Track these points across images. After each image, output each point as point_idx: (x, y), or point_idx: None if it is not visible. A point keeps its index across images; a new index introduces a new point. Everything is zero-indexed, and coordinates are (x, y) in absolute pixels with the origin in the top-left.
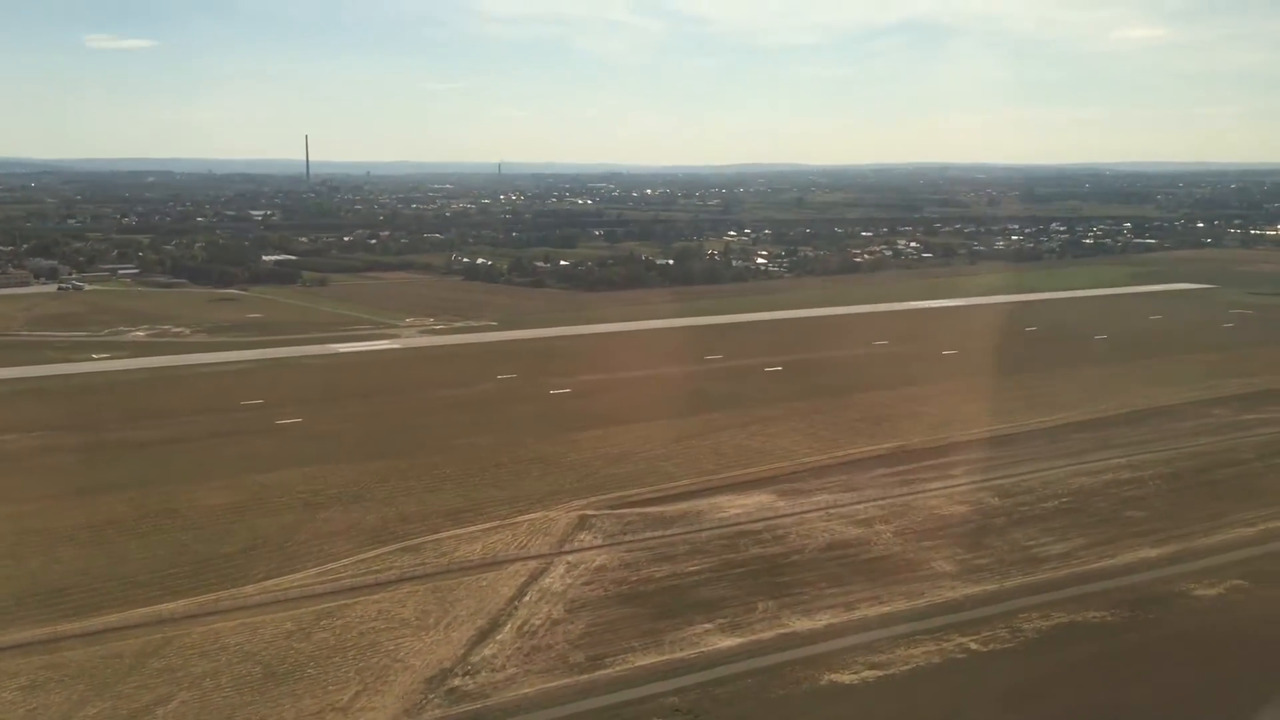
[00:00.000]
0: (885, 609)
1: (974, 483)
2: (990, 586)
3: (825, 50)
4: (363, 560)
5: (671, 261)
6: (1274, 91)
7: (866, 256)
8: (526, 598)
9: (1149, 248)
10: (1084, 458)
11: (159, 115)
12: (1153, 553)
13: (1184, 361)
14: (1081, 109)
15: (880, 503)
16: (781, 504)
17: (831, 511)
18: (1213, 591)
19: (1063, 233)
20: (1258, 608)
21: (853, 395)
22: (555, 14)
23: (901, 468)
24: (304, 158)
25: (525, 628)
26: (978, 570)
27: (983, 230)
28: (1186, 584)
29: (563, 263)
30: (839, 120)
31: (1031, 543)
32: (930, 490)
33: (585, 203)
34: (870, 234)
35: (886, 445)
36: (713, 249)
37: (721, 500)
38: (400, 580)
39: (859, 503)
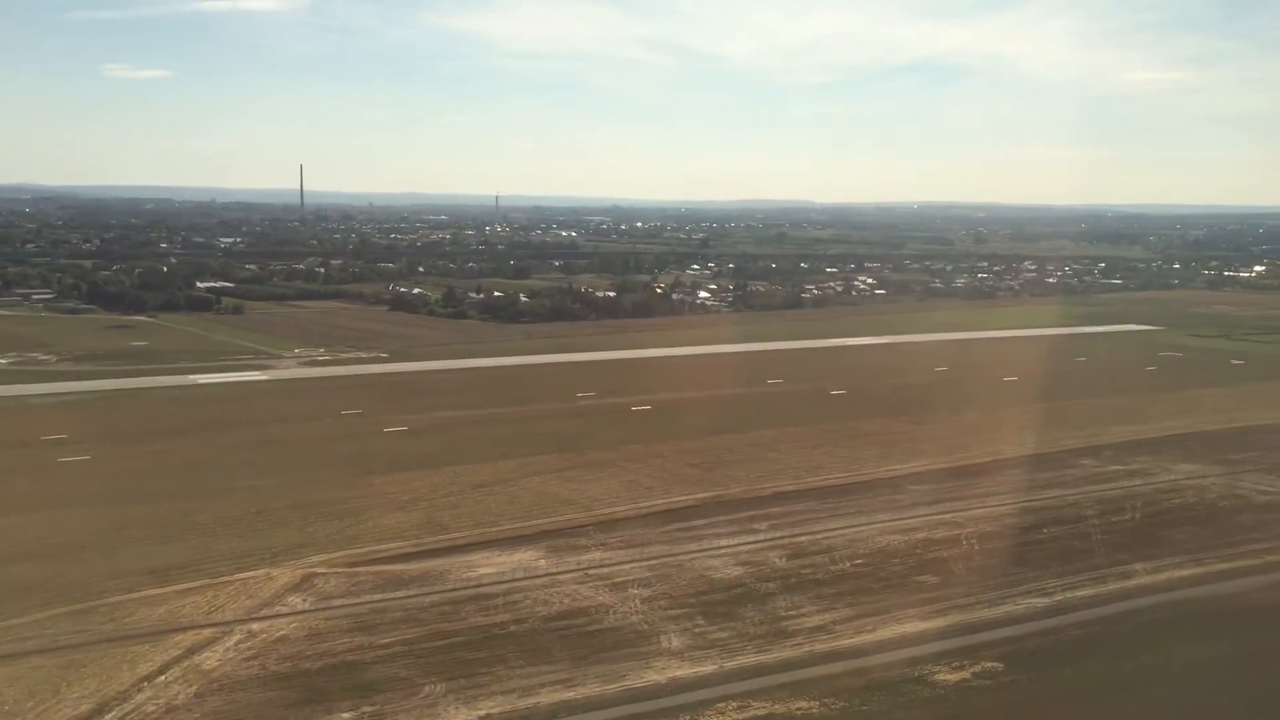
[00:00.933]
0: (568, 695)
1: (771, 540)
2: (708, 668)
3: (837, 89)
4: (12, 626)
5: (613, 294)
6: None
7: (816, 292)
8: (163, 676)
9: (1113, 288)
10: (911, 512)
11: (172, 144)
12: (919, 627)
13: (1083, 406)
14: (1091, 150)
15: (653, 562)
16: (543, 563)
17: (592, 572)
18: (956, 676)
19: (1031, 271)
20: (997, 695)
21: (705, 438)
22: (572, 50)
23: (701, 521)
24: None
25: (130, 716)
26: (708, 647)
27: (951, 268)
28: (933, 666)
29: (496, 294)
30: (848, 158)
31: (790, 614)
32: (717, 548)
33: (569, 235)
34: (835, 270)
35: (703, 495)
36: (663, 282)
37: (479, 558)
38: (33, 652)
39: (629, 562)
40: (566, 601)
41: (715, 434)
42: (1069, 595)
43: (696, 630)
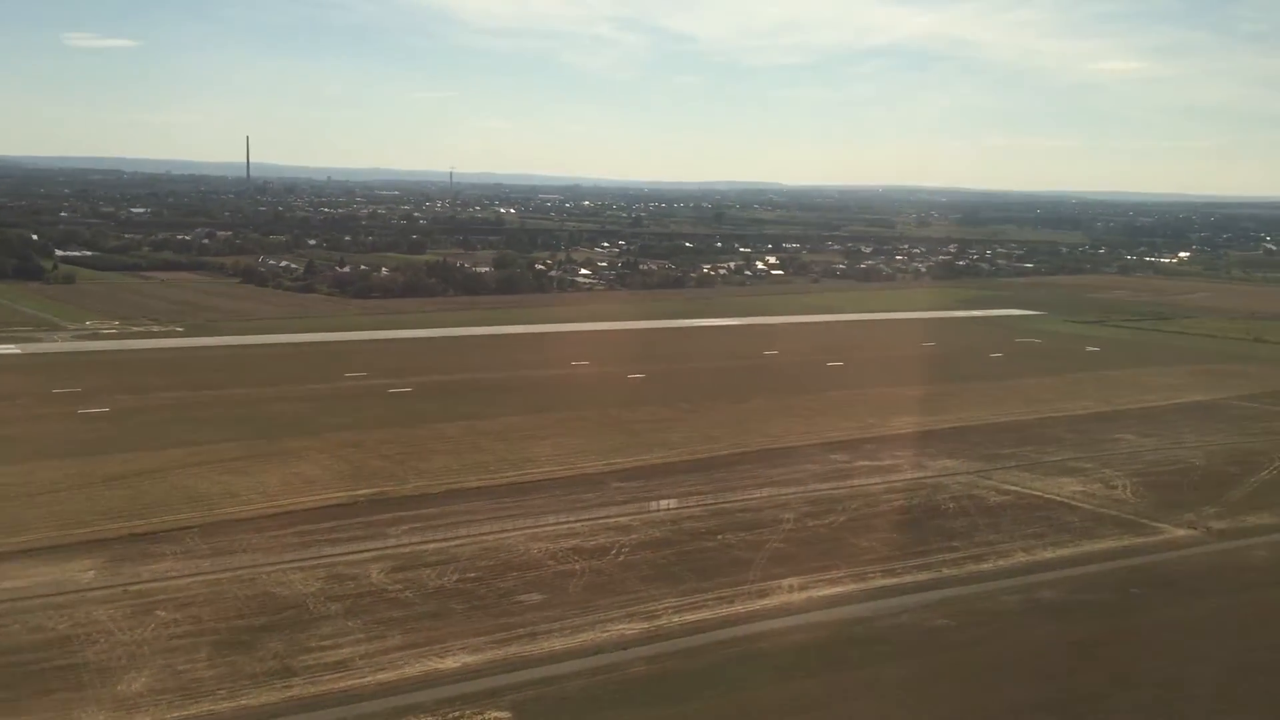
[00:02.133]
0: None
1: (390, 548)
2: (171, 715)
3: (808, 71)
4: None
5: (484, 270)
6: (1249, 126)
7: (709, 272)
8: None
9: (1025, 271)
10: (587, 514)
11: (134, 116)
12: (463, 661)
13: (888, 394)
14: (1059, 138)
15: (220, 576)
16: (87, 576)
17: (134, 589)
18: None
19: (947, 254)
20: None
21: (437, 424)
22: (542, 28)
23: (333, 523)
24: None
25: None
26: (170, 691)
27: (871, 250)
28: (427, 716)
29: (363, 267)
30: (818, 141)
31: (319, 645)
32: (316, 558)
33: (509, 211)
34: (749, 250)
35: (366, 491)
36: (558, 260)
37: (14, 569)
38: None
39: (192, 576)
40: (61, 628)
41: (454, 419)
42: (675, 620)
43: (180, 669)
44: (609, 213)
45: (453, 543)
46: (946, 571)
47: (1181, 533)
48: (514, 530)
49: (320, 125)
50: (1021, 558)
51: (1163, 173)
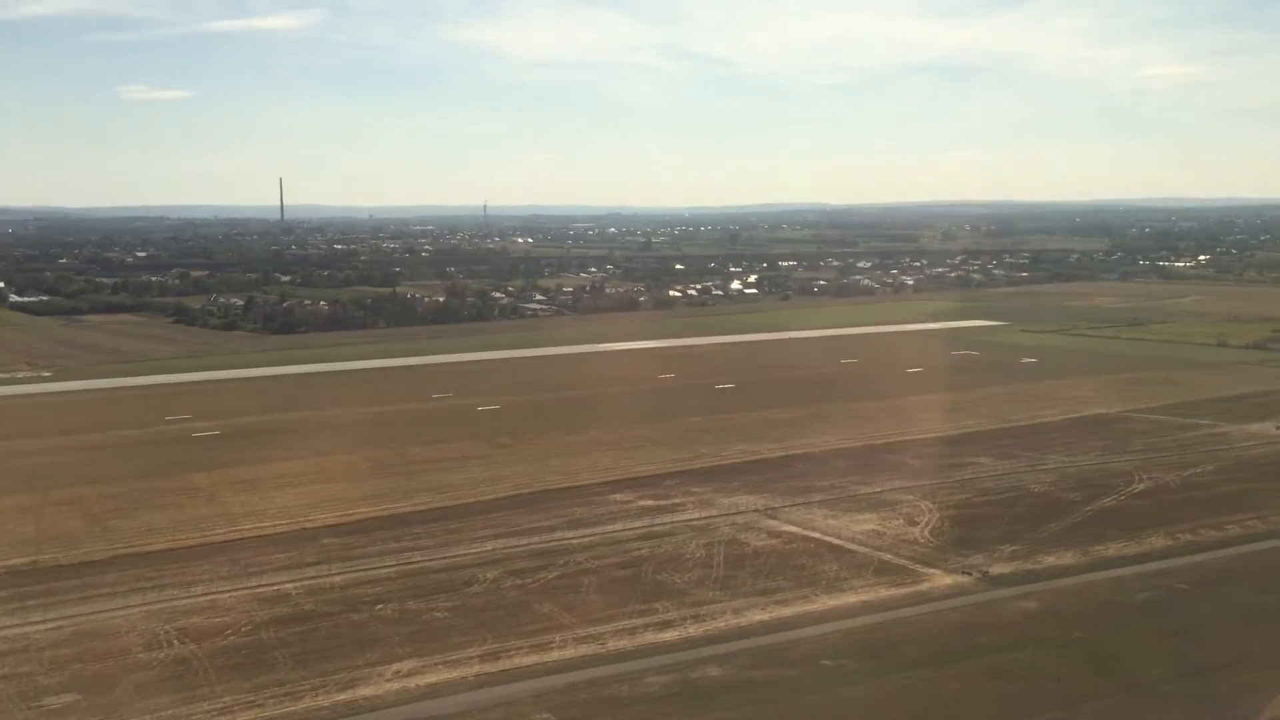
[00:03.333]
0: None
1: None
2: None
3: (850, 90)
4: None
5: (433, 299)
6: None
7: (675, 293)
8: None
9: (1018, 280)
10: (254, 579)
11: (189, 164)
12: None
13: (750, 419)
14: (1108, 146)
15: None
16: None
17: None
18: None
19: (944, 267)
20: None
21: (193, 474)
22: (584, 60)
23: None
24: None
25: None
26: None
27: (872, 265)
28: None
29: (305, 302)
30: (861, 160)
31: None
32: None
33: (526, 241)
34: (741, 269)
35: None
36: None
37: None
38: None
39: None
40: None
41: (219, 466)
42: None
43: None
44: (629, 239)
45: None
46: (612, 645)
47: (948, 581)
48: (132, 607)
49: (366, 166)
50: (726, 622)
51: (1214, 177)
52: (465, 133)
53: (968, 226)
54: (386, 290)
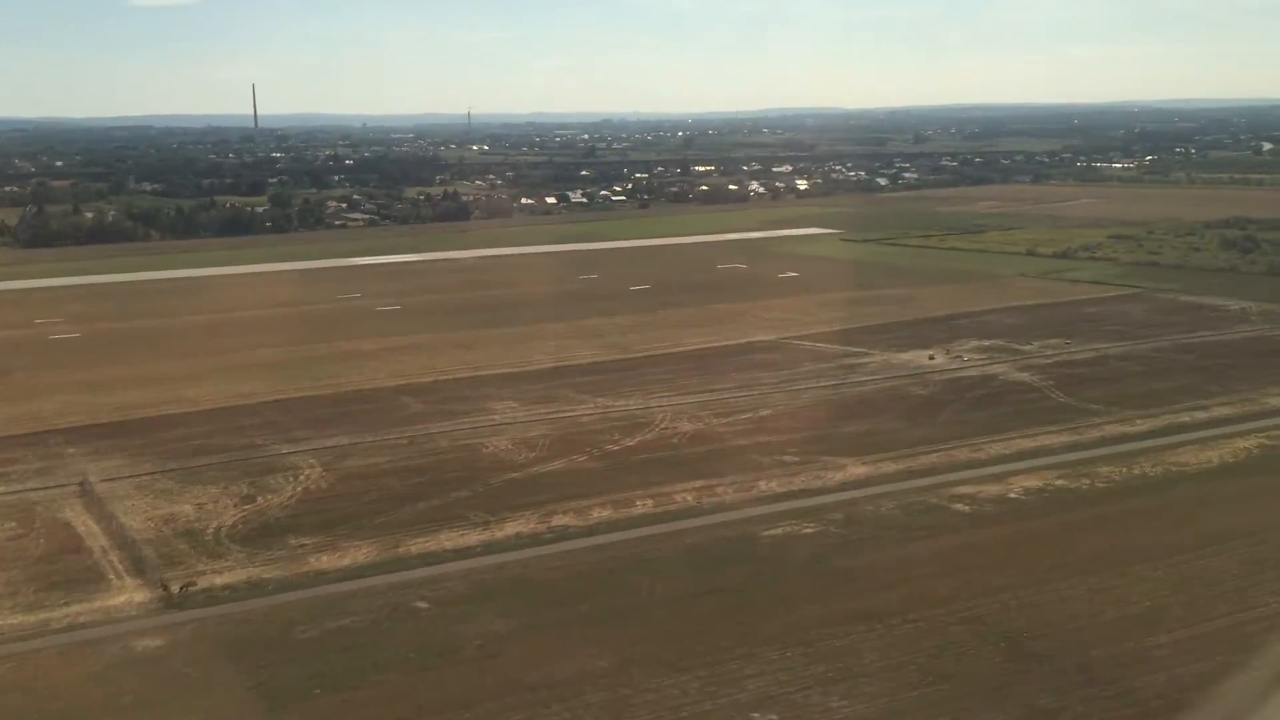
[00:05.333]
0: None
1: None
2: None
3: None
4: None
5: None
6: None
7: (528, 202)
8: None
9: (923, 185)
10: None
11: (197, 74)
12: None
13: (350, 349)
14: (1143, 46)
15: None
16: None
17: None
18: None
19: (854, 171)
20: None
21: None
22: None
23: None
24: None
25: None
26: None
27: (791, 170)
28: None
29: (112, 212)
30: (885, 63)
31: None
32: None
33: (479, 149)
34: (645, 176)
35: None
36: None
37: None
38: None
39: None
40: None
41: None
42: None
43: None
44: (597, 147)
45: None
46: None
47: (134, 597)
48: None
49: (368, 73)
50: None
51: (1251, 76)
52: (468, 40)
53: (954, 130)
54: (234, 199)
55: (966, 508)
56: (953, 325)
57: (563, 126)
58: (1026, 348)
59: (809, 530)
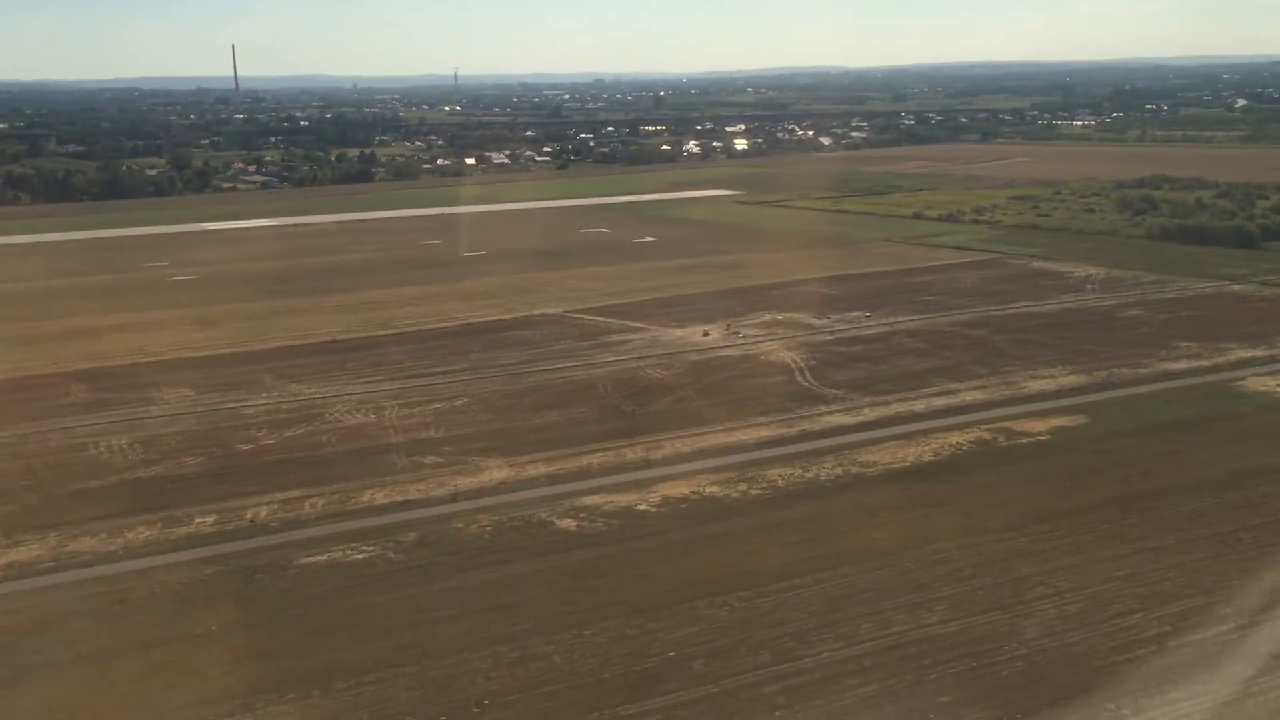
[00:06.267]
0: None
1: None
2: None
3: None
4: None
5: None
6: None
7: (440, 164)
8: None
9: (872, 144)
10: None
11: (187, 36)
12: None
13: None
14: (1150, 4)
15: None
16: None
17: None
18: None
19: (809, 131)
20: None
21: None
22: None
23: None
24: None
25: None
26: None
27: (742, 129)
28: None
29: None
30: (891, 21)
31: None
32: None
33: (452, 110)
34: (591, 136)
35: None
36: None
37: None
38: None
39: None
40: None
41: None
42: None
43: None
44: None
45: None
46: None
47: None
48: None
49: (372, 35)
50: None
51: (1258, 33)
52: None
53: (938, 89)
54: (147, 162)
55: (574, 525)
56: (765, 296)
57: (554, 87)
58: (819, 322)
59: (359, 556)
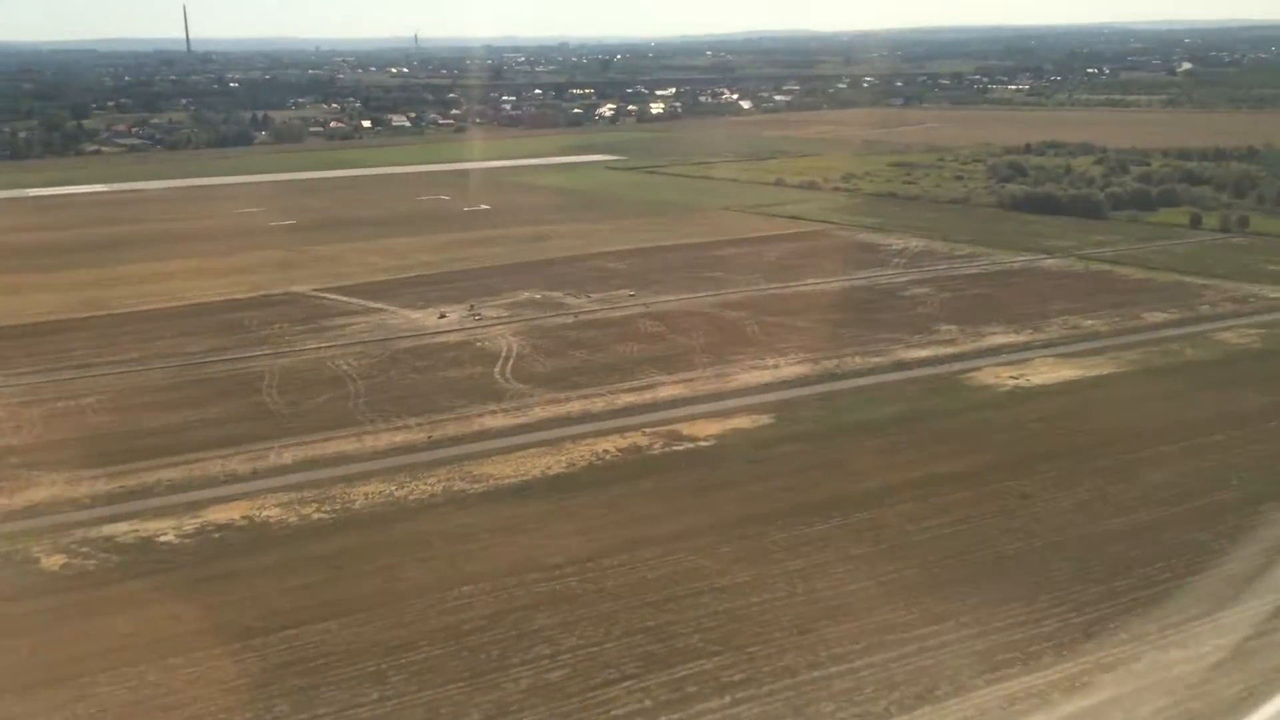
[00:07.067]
0: None
1: None
2: None
3: None
4: None
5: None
6: None
7: (333, 127)
8: None
9: (796, 107)
10: None
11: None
12: None
13: None
14: None
15: None
16: None
17: None
18: None
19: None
20: None
21: None
22: None
23: None
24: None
25: None
26: None
27: (674, 93)
28: None
29: None
30: None
31: None
32: None
33: (399, 71)
34: (514, 99)
35: None
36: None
37: None
38: None
39: None
40: None
41: None
42: None
43: None
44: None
45: None
46: None
47: None
48: None
49: None
50: None
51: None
52: None
53: (898, 53)
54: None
55: (60, 563)
56: (543, 272)
57: (518, 50)
58: (575, 301)
59: None
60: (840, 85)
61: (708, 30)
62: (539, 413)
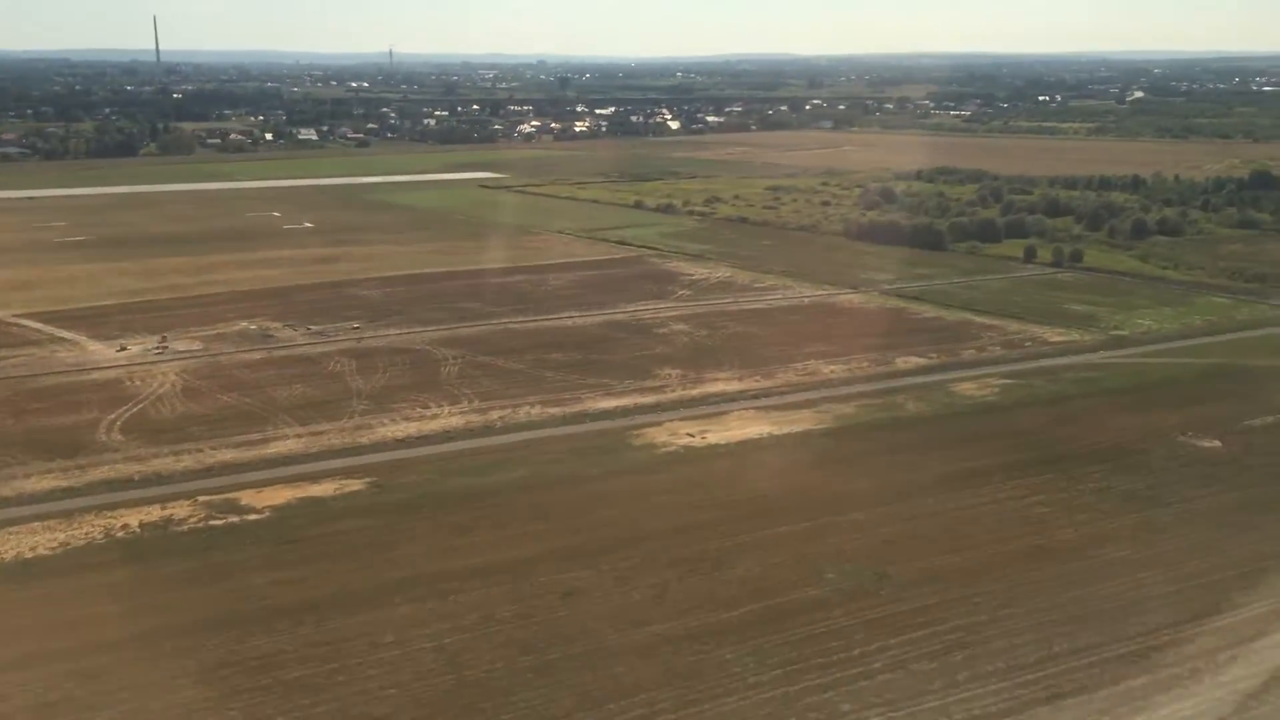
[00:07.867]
0: None
1: None
2: None
3: None
4: None
5: None
6: None
7: (231, 139)
8: None
9: (721, 129)
10: None
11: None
12: None
13: None
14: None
15: None
16: None
17: None
18: None
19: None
20: None
21: None
22: None
23: None
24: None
25: None
26: None
27: (611, 111)
28: None
29: None
30: (873, 10)
31: None
32: None
33: (361, 86)
34: (446, 114)
35: None
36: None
37: None
38: None
39: None
40: None
41: None
42: None
43: None
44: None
45: None
46: None
47: None
48: None
49: (324, 9)
50: None
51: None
52: None
53: (866, 77)
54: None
55: None
56: (287, 299)
57: (496, 67)
58: (285, 335)
59: None
60: (781, 108)
61: (691, 53)
62: (101, 473)
